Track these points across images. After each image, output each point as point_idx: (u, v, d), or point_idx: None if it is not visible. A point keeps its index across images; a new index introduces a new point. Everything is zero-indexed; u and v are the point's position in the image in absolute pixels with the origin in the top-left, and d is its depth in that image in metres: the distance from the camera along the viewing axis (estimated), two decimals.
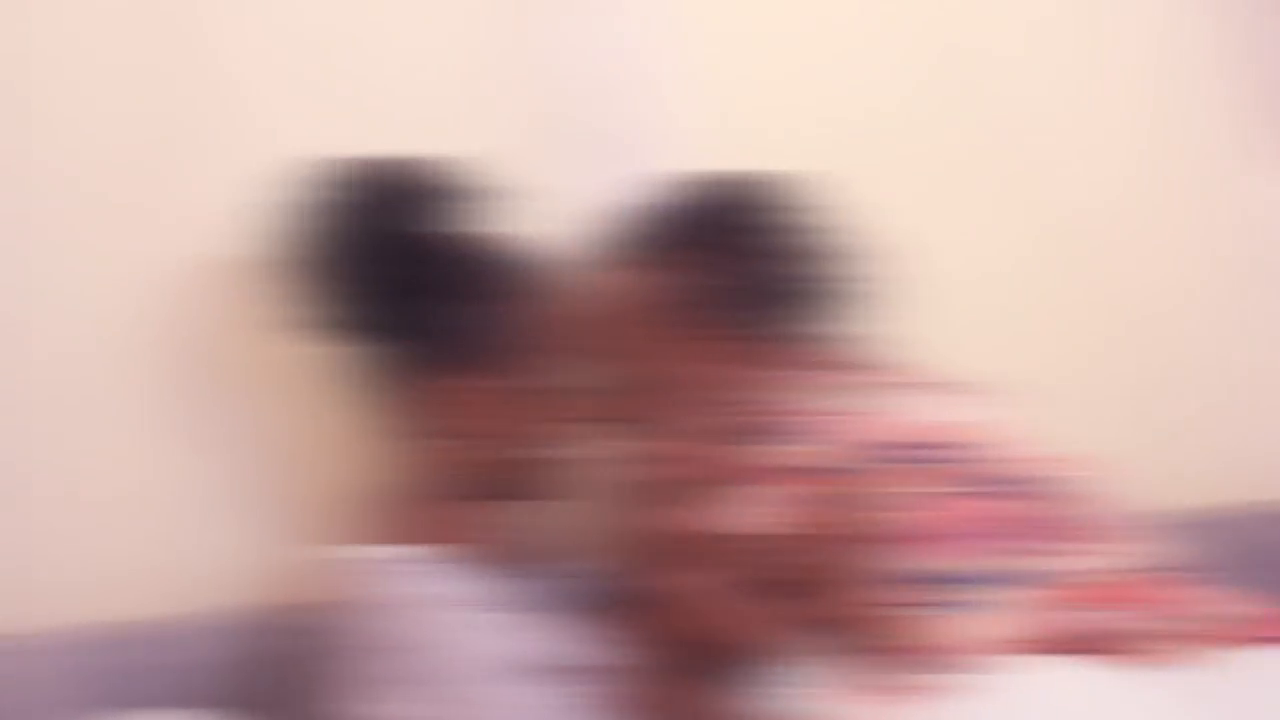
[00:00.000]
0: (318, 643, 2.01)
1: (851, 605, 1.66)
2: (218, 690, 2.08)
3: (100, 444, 2.09)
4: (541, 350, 1.81)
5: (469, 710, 1.66)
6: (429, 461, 1.81)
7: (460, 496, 1.81)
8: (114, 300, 2.10)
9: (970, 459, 1.76)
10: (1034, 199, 2.42)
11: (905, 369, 1.92)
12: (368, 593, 1.72)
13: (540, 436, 1.81)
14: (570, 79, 2.21)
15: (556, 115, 2.20)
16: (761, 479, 1.85)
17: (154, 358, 2.11)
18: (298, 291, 1.82)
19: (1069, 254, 2.45)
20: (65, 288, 2.05)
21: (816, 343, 1.89)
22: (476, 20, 2.20)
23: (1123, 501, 1.92)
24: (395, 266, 1.74)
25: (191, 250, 2.09)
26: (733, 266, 1.86)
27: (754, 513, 1.87)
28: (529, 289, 1.81)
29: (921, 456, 1.74)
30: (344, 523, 1.87)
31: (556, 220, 2.18)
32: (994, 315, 2.37)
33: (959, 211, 2.38)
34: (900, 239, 2.00)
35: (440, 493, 1.81)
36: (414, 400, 1.80)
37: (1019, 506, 1.79)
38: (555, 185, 2.17)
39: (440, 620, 1.69)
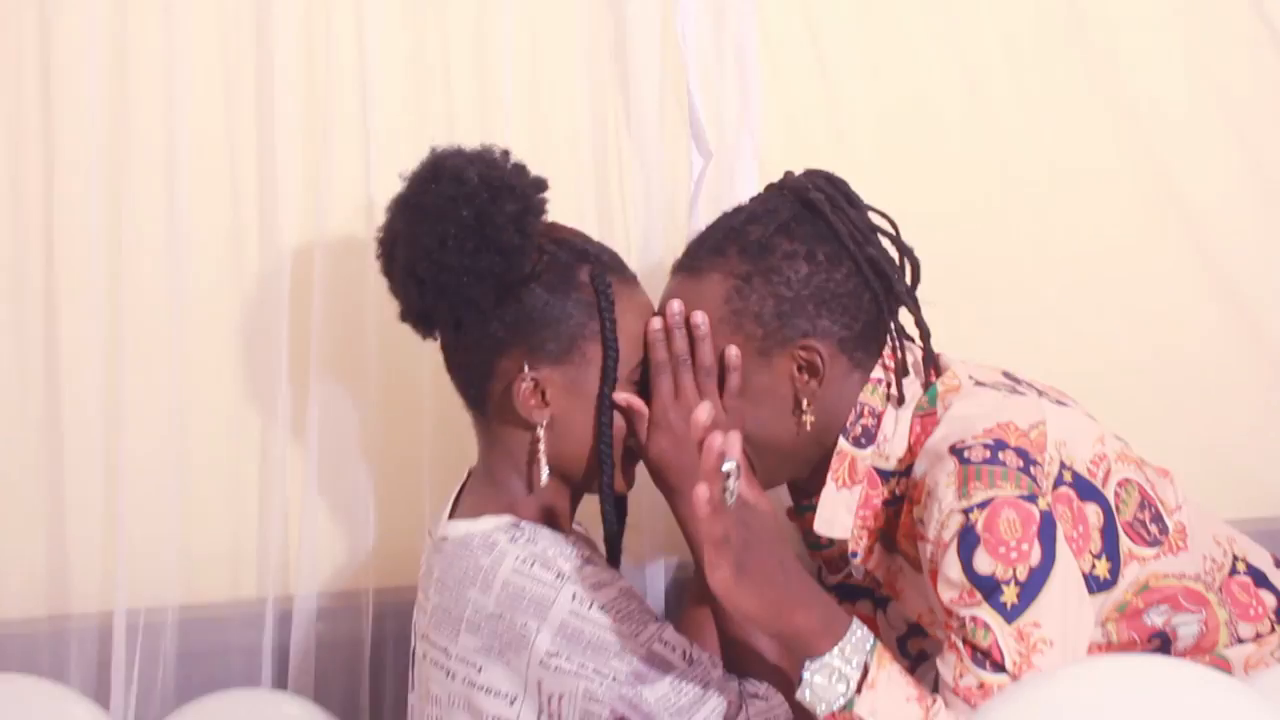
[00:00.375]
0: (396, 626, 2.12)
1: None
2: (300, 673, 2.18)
3: (204, 434, 2.19)
4: (615, 349, 1.85)
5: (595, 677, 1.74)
6: (516, 449, 1.88)
7: (550, 482, 1.85)
8: (220, 292, 2.20)
9: (1035, 461, 1.77)
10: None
11: (970, 369, 1.92)
12: (477, 563, 1.79)
13: (613, 429, 1.85)
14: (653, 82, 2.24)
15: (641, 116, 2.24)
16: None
17: (256, 351, 2.20)
18: (400, 285, 1.89)
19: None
20: (182, 285, 2.13)
21: (879, 345, 1.91)
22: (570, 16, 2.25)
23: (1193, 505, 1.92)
24: (482, 260, 1.79)
25: (292, 246, 2.17)
26: (794, 273, 1.86)
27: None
28: (606, 288, 1.85)
29: (991, 458, 1.75)
30: (447, 502, 1.93)
31: (639, 221, 2.25)
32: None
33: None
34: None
35: (531, 479, 1.86)
36: (500, 390, 1.86)
37: (1096, 510, 1.80)
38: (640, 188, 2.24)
39: (562, 588, 1.76)
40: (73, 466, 2.13)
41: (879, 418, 1.87)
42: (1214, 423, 2.46)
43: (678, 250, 1.99)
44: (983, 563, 1.69)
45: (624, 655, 1.73)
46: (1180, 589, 1.84)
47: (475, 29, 2.20)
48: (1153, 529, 1.84)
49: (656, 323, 1.86)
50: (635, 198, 2.24)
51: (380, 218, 1.90)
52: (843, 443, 1.87)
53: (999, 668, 1.67)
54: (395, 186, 1.88)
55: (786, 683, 1.78)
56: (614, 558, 1.90)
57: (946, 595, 1.72)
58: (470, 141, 1.88)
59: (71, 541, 2.14)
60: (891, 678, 1.69)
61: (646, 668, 1.74)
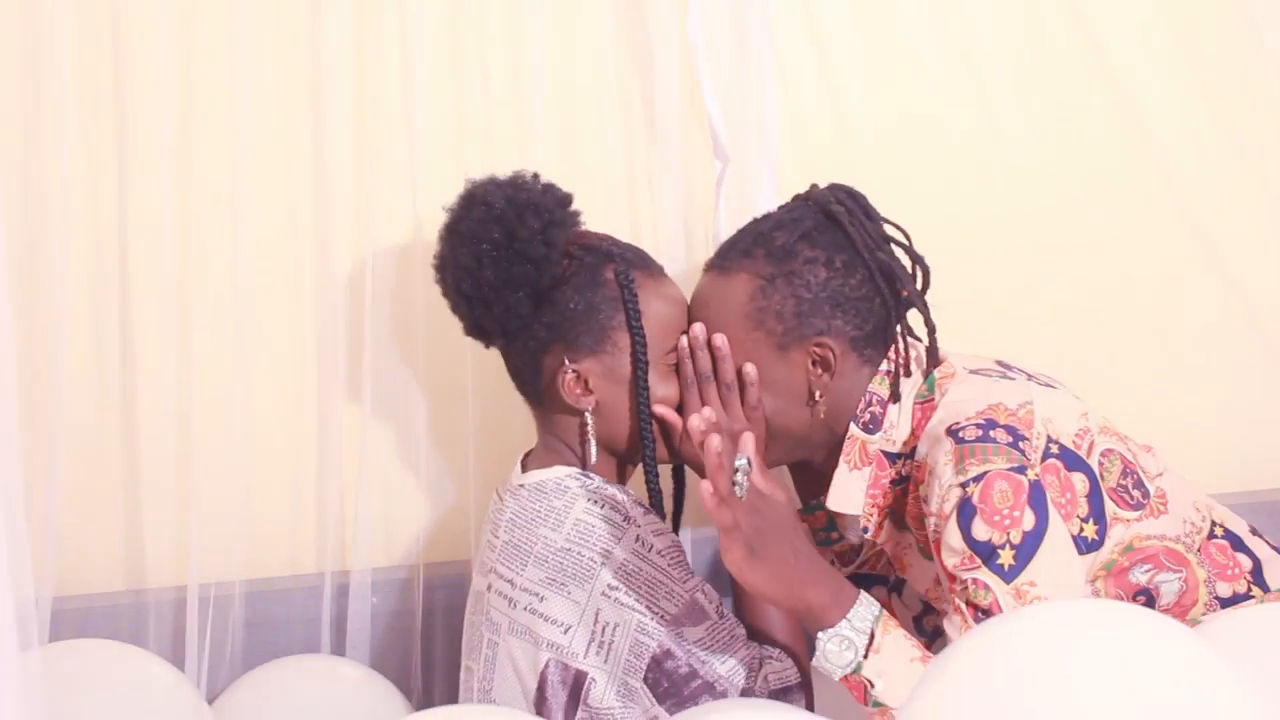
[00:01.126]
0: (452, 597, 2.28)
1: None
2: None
3: (267, 423, 2.35)
4: (642, 335, 2.03)
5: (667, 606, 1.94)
6: (569, 433, 2.06)
7: (601, 456, 2.05)
8: (282, 292, 2.36)
9: (1032, 436, 1.94)
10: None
11: (965, 359, 2.10)
12: (550, 504, 1.98)
13: (649, 408, 2.04)
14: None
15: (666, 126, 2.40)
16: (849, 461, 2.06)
17: (315, 346, 2.36)
18: (455, 305, 2.07)
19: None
20: (248, 281, 2.28)
21: (887, 343, 2.08)
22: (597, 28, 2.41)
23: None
24: (515, 272, 1.99)
25: (348, 249, 2.34)
26: (813, 277, 2.03)
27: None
28: (629, 282, 2.03)
29: (983, 435, 1.92)
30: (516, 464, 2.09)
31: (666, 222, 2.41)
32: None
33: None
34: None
35: (585, 457, 2.04)
36: (548, 383, 2.05)
37: (1082, 478, 1.97)
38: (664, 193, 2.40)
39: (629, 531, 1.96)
40: (147, 453, 2.28)
41: (885, 406, 2.05)
42: (1199, 402, 2.61)
43: (702, 248, 2.16)
44: (980, 530, 1.87)
45: (673, 597, 1.94)
46: (1162, 549, 2.00)
47: (511, 50, 2.36)
48: (1135, 494, 2.00)
49: (684, 341, 2.05)
50: (663, 203, 2.41)
51: (425, 220, 2.09)
52: (854, 428, 2.05)
53: None
54: (438, 196, 2.08)
55: (797, 650, 1.99)
56: (663, 517, 2.08)
57: (950, 561, 1.89)
58: (506, 155, 2.09)
59: (147, 522, 2.29)
60: (896, 641, 1.87)
61: (689, 612, 1.94)
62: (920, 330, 2.09)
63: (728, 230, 2.20)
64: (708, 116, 2.37)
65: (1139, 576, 1.99)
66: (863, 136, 2.47)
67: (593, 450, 2.04)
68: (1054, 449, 1.96)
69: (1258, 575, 2.05)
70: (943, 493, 1.91)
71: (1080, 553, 1.94)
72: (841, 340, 2.03)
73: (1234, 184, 2.63)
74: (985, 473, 1.89)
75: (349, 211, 2.34)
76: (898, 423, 2.05)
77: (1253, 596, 2.03)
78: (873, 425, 2.05)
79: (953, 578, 1.89)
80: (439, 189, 2.12)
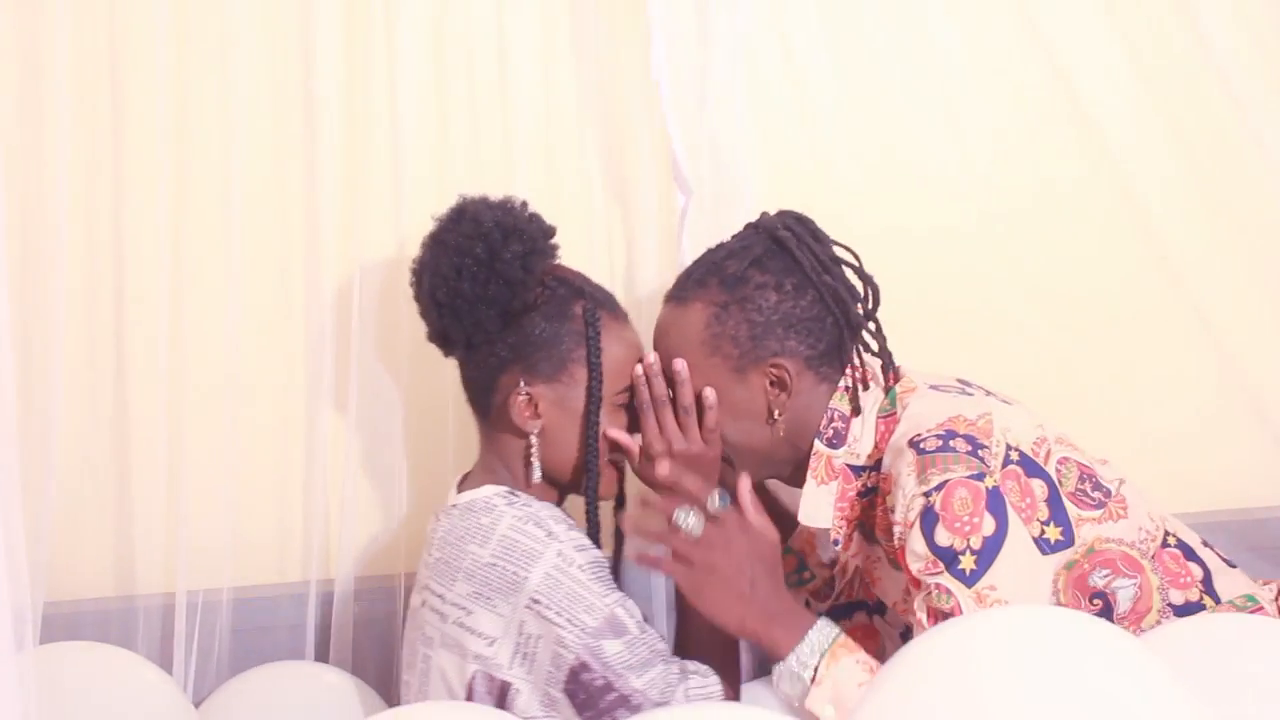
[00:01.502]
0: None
1: None
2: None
3: (254, 436, 2.41)
4: (599, 373, 2.11)
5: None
6: (512, 452, 2.14)
7: (540, 483, 2.14)
8: (271, 307, 2.43)
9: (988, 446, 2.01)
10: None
11: (925, 376, 2.17)
12: (478, 522, 2.06)
13: (597, 443, 2.12)
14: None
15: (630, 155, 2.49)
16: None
17: (301, 362, 2.44)
18: (424, 310, 2.15)
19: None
20: (237, 295, 2.35)
21: (843, 361, 2.15)
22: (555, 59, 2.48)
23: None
24: (491, 290, 2.07)
25: (334, 268, 2.41)
26: (764, 301, 2.11)
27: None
28: (595, 320, 2.12)
29: (943, 446, 1.99)
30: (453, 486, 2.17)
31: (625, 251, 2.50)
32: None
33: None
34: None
35: (525, 478, 2.13)
36: (500, 401, 2.12)
37: (1041, 484, 2.04)
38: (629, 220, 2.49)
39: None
40: (138, 462, 2.35)
41: (848, 421, 2.12)
42: (1154, 424, 2.68)
43: (668, 279, 2.24)
44: (942, 536, 1.94)
45: (592, 611, 2.00)
46: (1119, 554, 2.07)
47: (494, 74, 2.45)
48: (1096, 495, 2.08)
49: (640, 369, 2.13)
50: (630, 233, 2.50)
51: (409, 238, 2.17)
52: (818, 444, 2.13)
53: None
54: (422, 217, 2.16)
55: (728, 666, 2.08)
56: (596, 540, 2.15)
57: (914, 566, 1.96)
58: (490, 177, 2.20)
59: (137, 530, 2.36)
60: (844, 670, 1.97)
61: (608, 625, 2.01)
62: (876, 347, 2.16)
63: (690, 261, 2.27)
64: (671, 151, 2.44)
65: (1097, 580, 2.06)
66: (835, 168, 2.55)
67: (536, 471, 2.12)
68: (1014, 455, 2.02)
69: (1208, 584, 2.11)
70: (907, 502, 1.98)
71: (1044, 553, 2.00)
72: (796, 360, 2.11)
73: (1192, 204, 2.69)
74: (946, 481, 1.95)
75: (337, 230, 2.41)
76: (861, 436, 2.12)
77: (1204, 605, 2.09)
78: (836, 440, 2.13)
79: (917, 583, 1.97)
80: (423, 210, 2.19)
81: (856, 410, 2.13)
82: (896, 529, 2.00)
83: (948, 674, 1.43)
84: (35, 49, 2.24)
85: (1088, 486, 2.07)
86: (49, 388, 2.23)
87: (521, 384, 2.11)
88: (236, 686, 2.29)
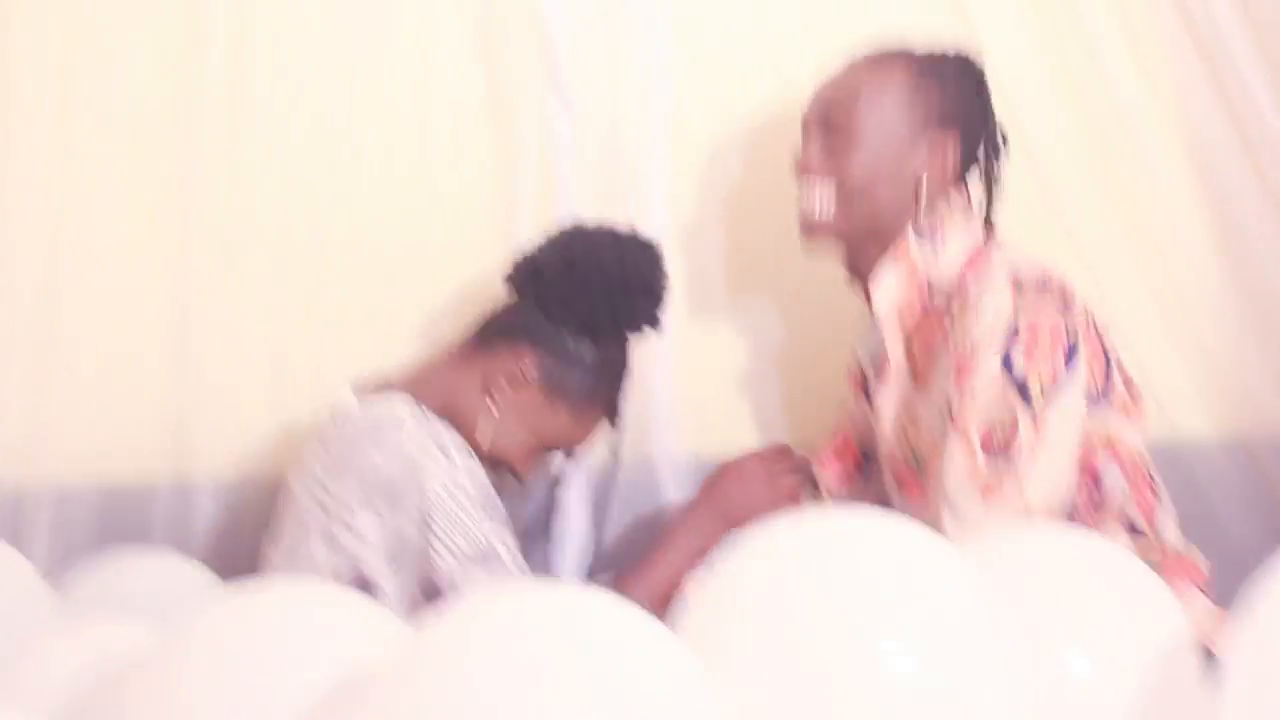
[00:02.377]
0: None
1: None
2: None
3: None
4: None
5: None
6: (474, 391, 2.19)
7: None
8: None
9: None
10: None
11: None
12: (379, 428, 2.11)
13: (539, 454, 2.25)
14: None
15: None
16: None
17: None
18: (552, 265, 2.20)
19: None
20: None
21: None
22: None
23: None
24: (625, 304, 2.20)
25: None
26: (958, 91, 2.22)
27: None
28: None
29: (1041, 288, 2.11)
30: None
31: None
32: None
33: None
34: None
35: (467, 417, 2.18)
36: (506, 347, 2.20)
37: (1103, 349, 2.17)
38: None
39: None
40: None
41: (944, 224, 2.20)
42: None
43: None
44: (1019, 365, 2.06)
45: (469, 537, 2.06)
46: (1133, 455, 2.17)
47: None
48: (1131, 389, 2.19)
49: None
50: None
51: None
52: (911, 235, 2.20)
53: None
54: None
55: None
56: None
57: (983, 380, 2.07)
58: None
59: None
60: None
61: (481, 556, 2.06)
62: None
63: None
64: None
65: (1103, 462, 2.16)
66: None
67: (493, 408, 2.18)
68: (1093, 319, 2.15)
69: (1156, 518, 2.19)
70: (995, 324, 2.08)
71: (1093, 403, 2.13)
72: (956, 149, 2.21)
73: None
74: (1036, 317, 2.08)
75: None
76: (945, 249, 2.19)
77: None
78: (927, 234, 2.21)
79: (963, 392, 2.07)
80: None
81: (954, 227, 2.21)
82: (967, 342, 2.09)
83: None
84: None
85: (1130, 379, 2.20)
86: None
87: (541, 362, 2.19)
88: (97, 565, 2.28)
